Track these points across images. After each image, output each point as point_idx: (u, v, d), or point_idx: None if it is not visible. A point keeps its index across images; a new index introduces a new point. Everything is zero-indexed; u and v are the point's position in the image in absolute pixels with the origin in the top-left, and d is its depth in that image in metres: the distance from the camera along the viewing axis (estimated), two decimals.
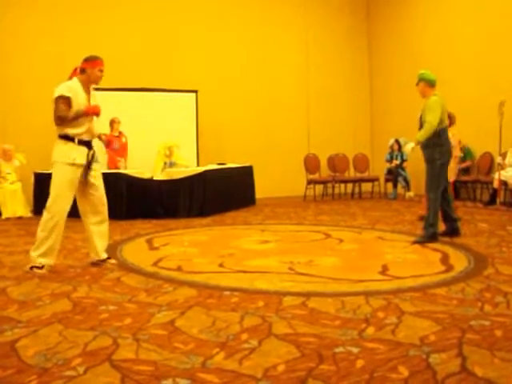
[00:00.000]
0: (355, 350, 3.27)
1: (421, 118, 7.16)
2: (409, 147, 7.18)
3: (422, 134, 6.96)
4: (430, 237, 7.04)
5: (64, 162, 5.63)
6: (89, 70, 5.70)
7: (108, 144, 6.39)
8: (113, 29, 12.83)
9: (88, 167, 5.77)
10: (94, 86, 5.89)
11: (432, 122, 6.90)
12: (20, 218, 10.69)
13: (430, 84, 7.14)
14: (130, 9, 13.09)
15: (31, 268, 5.65)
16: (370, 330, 3.62)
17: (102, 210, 5.96)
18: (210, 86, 13.55)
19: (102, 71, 5.76)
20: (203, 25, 13.77)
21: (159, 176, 10.99)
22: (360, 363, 3.06)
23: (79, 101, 5.65)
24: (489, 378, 2.83)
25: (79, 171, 5.70)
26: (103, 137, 6.20)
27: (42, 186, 10.50)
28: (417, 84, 7.24)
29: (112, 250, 6.79)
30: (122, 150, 11.61)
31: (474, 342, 3.33)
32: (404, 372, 2.92)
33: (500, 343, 3.32)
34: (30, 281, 5.32)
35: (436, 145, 7.01)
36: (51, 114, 5.68)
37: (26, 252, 6.19)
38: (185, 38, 13.59)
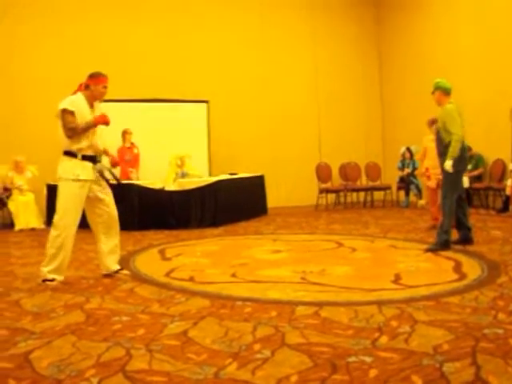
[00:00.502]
0: (368, 359, 3.26)
1: (437, 127, 7.18)
2: (448, 166, 7.07)
3: (454, 149, 6.95)
4: (442, 244, 7.01)
5: (68, 178, 5.65)
6: (92, 87, 5.74)
7: (114, 165, 6.35)
8: (124, 40, 12.91)
9: (104, 179, 5.81)
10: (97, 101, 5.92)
11: (457, 132, 6.93)
12: (33, 229, 10.75)
13: (446, 92, 7.17)
14: (141, 20, 13.16)
15: (43, 281, 5.67)
16: (383, 339, 3.60)
17: (113, 225, 5.97)
18: (220, 96, 13.59)
19: (105, 88, 5.80)
20: (214, 35, 13.82)
21: (171, 186, 11.01)
22: (373, 373, 3.05)
23: (83, 115, 5.67)
24: None
25: (86, 187, 5.71)
26: (110, 158, 6.18)
27: (54, 197, 10.54)
28: (432, 92, 7.27)
29: (125, 260, 6.81)
30: (134, 161, 11.67)
31: (488, 351, 3.31)
32: (417, 381, 2.91)
33: None
34: (43, 292, 5.34)
35: None
36: (57, 129, 5.72)
37: (40, 263, 6.22)
38: (195, 48, 13.64)
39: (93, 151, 5.80)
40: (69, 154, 5.70)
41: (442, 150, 7.12)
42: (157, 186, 10.79)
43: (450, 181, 7.08)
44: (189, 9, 13.67)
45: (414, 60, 14.40)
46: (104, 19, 12.85)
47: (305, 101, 14.95)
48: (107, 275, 5.98)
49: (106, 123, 5.75)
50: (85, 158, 5.72)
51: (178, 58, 13.43)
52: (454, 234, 7.35)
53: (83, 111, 5.70)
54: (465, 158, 7.19)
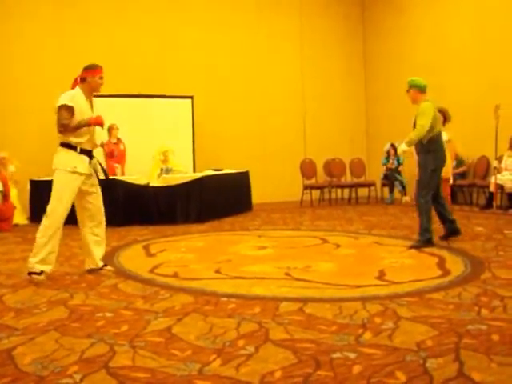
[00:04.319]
0: (352, 355, 3.26)
1: (414, 123, 7.19)
2: (400, 149, 7.21)
3: (413, 136, 7.02)
4: (425, 241, 7.04)
5: (65, 169, 5.68)
6: (89, 79, 5.76)
7: (110, 155, 6.42)
8: (109, 36, 12.85)
9: (96, 174, 5.85)
10: (94, 93, 5.93)
11: (424, 125, 6.94)
12: (16, 225, 10.66)
13: (421, 90, 7.18)
14: (127, 16, 13.11)
15: (29, 274, 5.64)
16: (367, 336, 3.61)
17: (99, 219, 5.98)
18: (205, 91, 13.58)
19: (102, 78, 5.83)
20: (199, 31, 13.80)
21: (156, 182, 10.97)
22: (357, 369, 3.06)
23: (82, 110, 5.70)
24: (486, 382, 2.82)
25: (80, 179, 5.73)
26: (106, 148, 6.26)
27: (37, 193, 10.51)
28: (407, 91, 7.26)
29: (109, 256, 6.79)
30: (121, 157, 11.61)
31: (471, 347, 3.33)
32: (401, 377, 2.91)
33: (497, 347, 3.31)
34: (26, 288, 5.31)
35: (429, 151, 7.06)
36: (48, 122, 5.71)
37: (23, 259, 6.18)
38: (180, 44, 13.61)
39: (90, 146, 5.86)
40: (67, 146, 5.73)
41: (420, 147, 7.15)
42: (142, 181, 10.75)
43: (424, 179, 7.10)
44: (174, 5, 13.63)
45: (399, 58, 14.46)
46: (89, 15, 12.77)
47: (290, 97, 14.96)
48: (91, 271, 5.97)
49: (101, 125, 5.82)
50: (82, 151, 5.75)
51: (163, 53, 13.39)
52: (438, 231, 7.38)
53: (82, 106, 5.73)
54: (440, 157, 7.17)
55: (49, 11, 12.47)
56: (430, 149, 7.06)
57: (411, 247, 7.01)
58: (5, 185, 10.31)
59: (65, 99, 5.68)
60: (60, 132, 5.68)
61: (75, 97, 5.72)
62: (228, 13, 14.24)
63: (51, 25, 12.47)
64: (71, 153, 5.72)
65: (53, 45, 12.41)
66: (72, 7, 12.65)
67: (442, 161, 7.18)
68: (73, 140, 5.71)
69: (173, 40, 13.54)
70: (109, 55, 12.51)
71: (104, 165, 10.78)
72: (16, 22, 12.19)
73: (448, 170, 8.57)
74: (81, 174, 5.73)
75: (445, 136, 7.78)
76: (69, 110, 5.63)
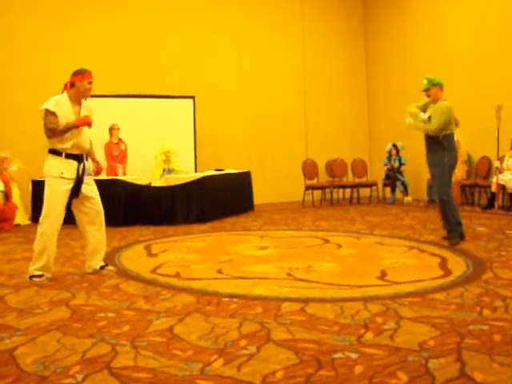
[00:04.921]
0: (354, 355, 3.26)
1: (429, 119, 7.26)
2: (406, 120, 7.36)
3: (421, 127, 7.24)
4: (459, 235, 7.20)
5: (52, 175, 5.67)
6: (78, 83, 5.71)
7: (96, 173, 6.32)
8: (110, 36, 12.84)
9: (79, 182, 5.77)
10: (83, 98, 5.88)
11: (436, 125, 7.07)
12: (18, 225, 10.66)
13: (442, 88, 7.32)
14: (127, 16, 13.10)
15: (30, 278, 5.65)
16: (369, 336, 3.61)
17: (98, 221, 5.98)
18: (207, 91, 13.57)
19: (90, 83, 5.77)
20: (200, 31, 13.79)
21: (158, 182, 10.98)
22: (359, 369, 3.05)
23: (66, 117, 5.65)
24: (488, 382, 2.82)
25: (69, 185, 5.70)
26: (95, 165, 6.16)
27: (39, 193, 10.46)
28: (428, 90, 7.31)
29: (110, 256, 6.80)
30: (122, 157, 11.62)
31: (473, 347, 3.32)
32: (403, 377, 2.91)
33: (499, 348, 3.31)
34: (28, 288, 5.32)
35: (445, 148, 7.15)
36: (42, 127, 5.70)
37: (25, 259, 6.18)
38: (182, 44, 13.60)
39: (78, 150, 5.80)
40: (54, 152, 5.71)
41: (435, 145, 7.19)
42: (143, 181, 10.75)
43: (443, 176, 7.19)
44: (176, 5, 13.63)
45: (401, 57, 14.44)
46: (90, 15, 12.77)
47: (292, 97, 14.94)
48: (92, 272, 5.97)
49: (88, 124, 5.75)
50: (69, 156, 5.72)
51: (165, 53, 13.38)
52: (439, 232, 7.39)
53: (65, 112, 5.68)
54: (454, 155, 7.24)
55: (49, 11, 12.46)
56: (446, 146, 7.15)
57: (449, 243, 7.14)
58: (6, 185, 10.32)
59: (47, 104, 5.66)
60: (48, 137, 5.66)
61: (59, 102, 5.69)
62: (229, 12, 14.23)
63: (51, 24, 12.46)
64: (58, 158, 5.69)
65: (53, 45, 12.39)
66: (73, 6, 12.64)
67: (455, 160, 7.31)
68: (58, 146, 5.68)
69: (174, 40, 13.53)
70: (110, 55, 12.52)
71: (104, 164, 10.85)
72: (16, 22, 12.17)
73: (457, 174, 8.59)
74: (69, 180, 5.70)
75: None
76: (53, 114, 5.61)
